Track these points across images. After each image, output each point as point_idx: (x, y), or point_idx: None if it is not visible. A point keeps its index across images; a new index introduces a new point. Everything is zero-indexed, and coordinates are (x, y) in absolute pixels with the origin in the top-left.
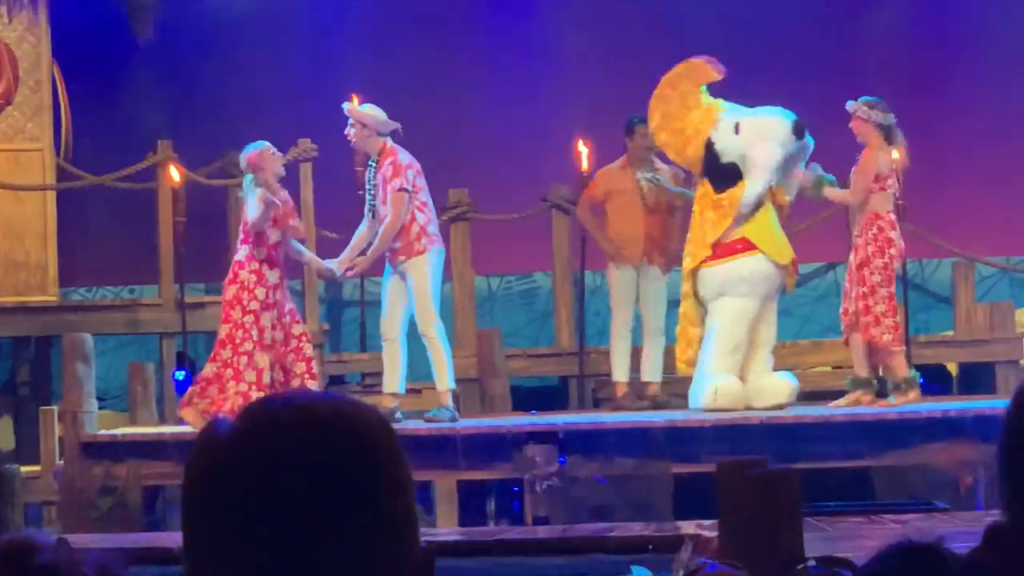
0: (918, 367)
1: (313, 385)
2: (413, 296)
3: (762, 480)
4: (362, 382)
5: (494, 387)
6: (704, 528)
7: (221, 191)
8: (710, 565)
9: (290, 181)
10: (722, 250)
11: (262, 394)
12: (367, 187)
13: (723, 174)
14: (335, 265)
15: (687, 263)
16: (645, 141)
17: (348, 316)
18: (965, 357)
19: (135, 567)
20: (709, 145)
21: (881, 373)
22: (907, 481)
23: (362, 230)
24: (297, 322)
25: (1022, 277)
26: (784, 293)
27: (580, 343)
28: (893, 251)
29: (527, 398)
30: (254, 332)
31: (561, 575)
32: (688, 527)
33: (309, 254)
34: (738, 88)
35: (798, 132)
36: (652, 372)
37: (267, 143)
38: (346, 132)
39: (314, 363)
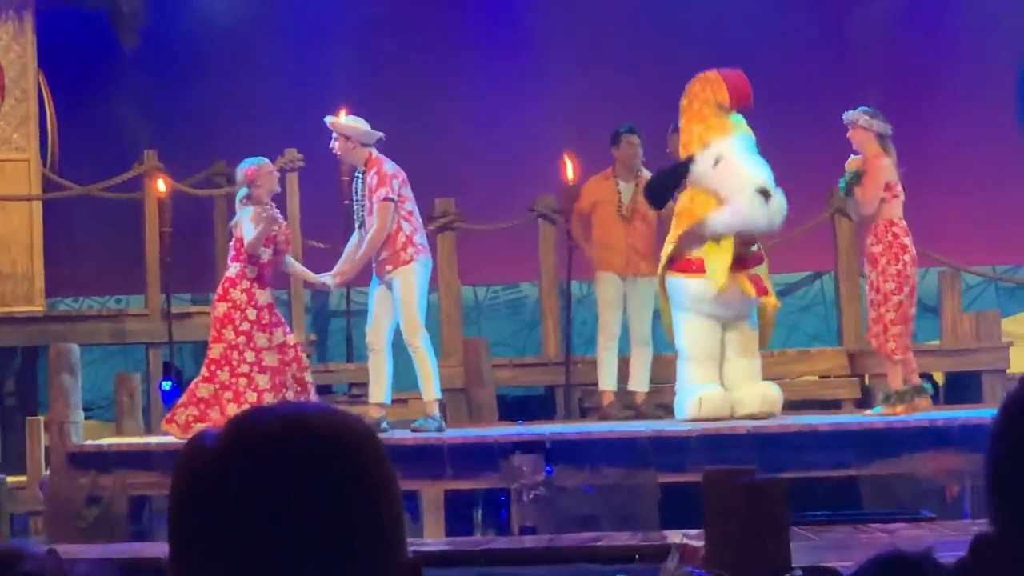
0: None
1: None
2: (399, 306)
3: (749, 489)
4: (348, 392)
5: (481, 397)
6: (691, 537)
7: (207, 201)
8: (697, 574)
9: (277, 192)
10: (682, 265)
11: (222, 409)
12: (354, 198)
13: (661, 190)
14: (328, 278)
15: (660, 265)
16: (631, 150)
17: (334, 326)
18: (951, 366)
19: None
20: (688, 161)
21: (867, 381)
22: (894, 490)
23: (353, 241)
24: (290, 334)
25: (1008, 286)
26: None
27: (567, 353)
28: (907, 258)
29: (514, 408)
30: (248, 354)
31: None
32: (675, 536)
33: (301, 268)
34: None
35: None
36: (639, 382)
37: (265, 159)
38: (331, 145)
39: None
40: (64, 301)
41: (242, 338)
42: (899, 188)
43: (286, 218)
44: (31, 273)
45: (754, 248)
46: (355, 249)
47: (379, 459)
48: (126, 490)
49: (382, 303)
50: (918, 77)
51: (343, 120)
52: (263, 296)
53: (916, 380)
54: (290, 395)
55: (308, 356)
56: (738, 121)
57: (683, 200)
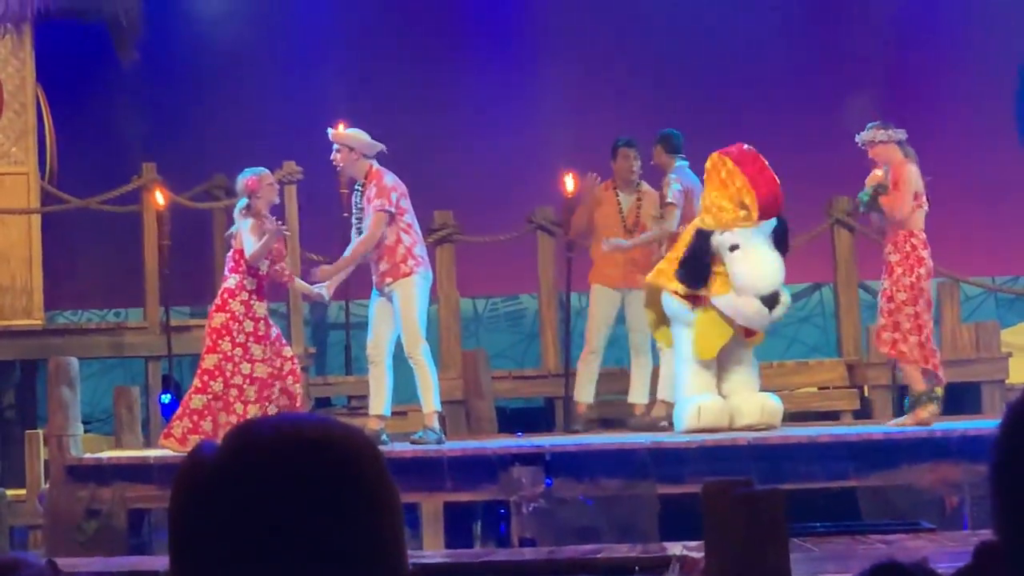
0: (902, 388)
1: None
2: (399, 318)
3: (748, 500)
4: (348, 405)
5: (480, 409)
6: (690, 549)
7: (206, 214)
8: None
9: (275, 204)
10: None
11: (214, 419)
12: (353, 210)
13: (697, 270)
14: (323, 289)
15: (651, 275)
16: (628, 163)
17: (333, 339)
18: (950, 377)
19: None
20: (707, 235)
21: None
22: (893, 502)
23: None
24: (285, 345)
25: (1008, 297)
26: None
27: (566, 365)
28: (922, 270)
29: (513, 420)
30: (244, 366)
31: None
32: (675, 548)
33: (296, 280)
34: (719, 114)
35: (765, 304)
36: (638, 394)
37: (265, 170)
38: (332, 157)
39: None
40: (63, 314)
41: (238, 350)
42: (924, 198)
43: None
44: (30, 286)
45: None
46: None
47: (379, 471)
48: (125, 503)
49: (382, 315)
50: (917, 87)
51: (345, 131)
52: (261, 308)
53: (938, 391)
54: (272, 409)
55: (306, 369)
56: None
57: (691, 227)
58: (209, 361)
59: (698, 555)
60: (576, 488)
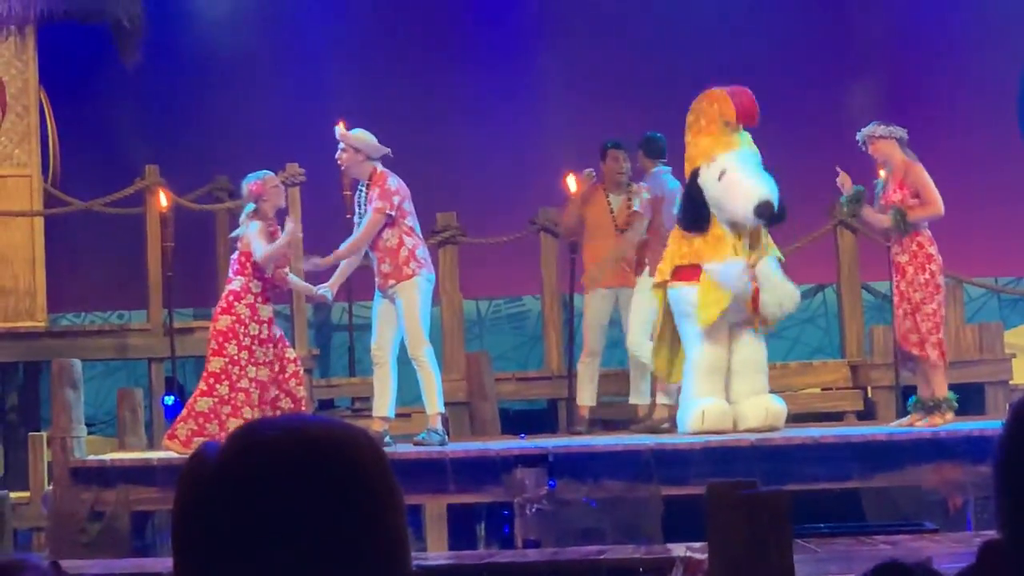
0: (905, 389)
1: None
2: (403, 320)
3: (752, 502)
4: (351, 406)
5: (483, 410)
6: (694, 550)
7: (209, 216)
8: None
9: (281, 207)
10: (685, 274)
11: (221, 423)
12: (356, 211)
13: (696, 213)
14: (326, 289)
15: (656, 278)
16: (616, 165)
17: (337, 340)
18: (954, 378)
19: None
20: (695, 175)
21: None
22: (897, 502)
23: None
24: (288, 347)
25: (1011, 298)
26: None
27: (569, 366)
28: (934, 267)
29: (516, 421)
30: (250, 369)
31: None
32: (678, 549)
33: (299, 282)
34: None
35: (760, 213)
36: (639, 394)
37: (270, 173)
38: (337, 156)
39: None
40: (66, 316)
41: (244, 353)
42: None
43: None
44: (33, 288)
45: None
46: (351, 262)
47: (383, 472)
48: (129, 505)
49: (386, 317)
50: (919, 89)
51: (353, 133)
52: (266, 311)
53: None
54: (270, 411)
55: (309, 370)
56: (744, 138)
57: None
58: (215, 364)
59: (702, 556)
60: (580, 489)
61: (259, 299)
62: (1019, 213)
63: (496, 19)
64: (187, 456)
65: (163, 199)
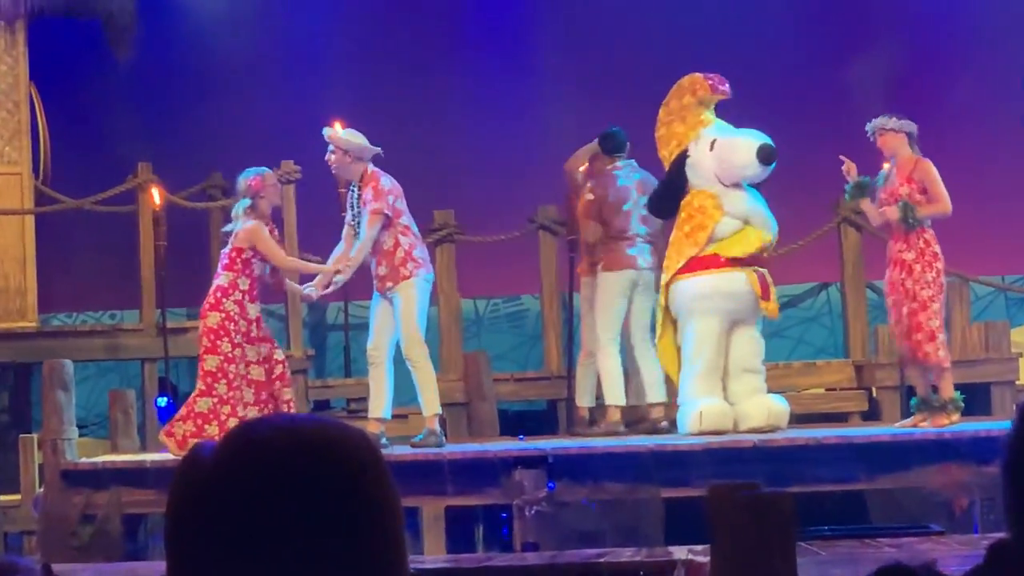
0: (910, 389)
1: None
2: (399, 320)
3: (754, 504)
4: (347, 407)
5: (481, 411)
6: (696, 553)
7: (203, 214)
8: None
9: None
10: (693, 264)
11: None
12: (349, 211)
13: (664, 196)
14: (312, 290)
15: (663, 277)
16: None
17: (332, 340)
18: (960, 378)
19: None
20: (683, 155)
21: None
22: (902, 504)
23: (338, 252)
24: (277, 348)
25: (1018, 297)
26: (768, 319)
27: (569, 366)
28: (939, 265)
29: (515, 422)
30: (242, 367)
31: None
32: (680, 552)
33: (291, 284)
34: (724, 109)
35: (763, 158)
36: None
37: (268, 170)
38: (326, 158)
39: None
40: (58, 316)
41: (238, 350)
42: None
43: (282, 231)
44: (24, 288)
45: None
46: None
47: (380, 472)
48: (121, 508)
49: (383, 318)
50: (926, 85)
51: (341, 133)
52: (253, 309)
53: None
54: (267, 411)
55: (304, 371)
56: (715, 118)
57: (682, 210)
58: (210, 363)
59: (703, 560)
60: (579, 491)
61: (247, 297)
62: None
63: (493, 10)
64: (181, 457)
65: (156, 197)
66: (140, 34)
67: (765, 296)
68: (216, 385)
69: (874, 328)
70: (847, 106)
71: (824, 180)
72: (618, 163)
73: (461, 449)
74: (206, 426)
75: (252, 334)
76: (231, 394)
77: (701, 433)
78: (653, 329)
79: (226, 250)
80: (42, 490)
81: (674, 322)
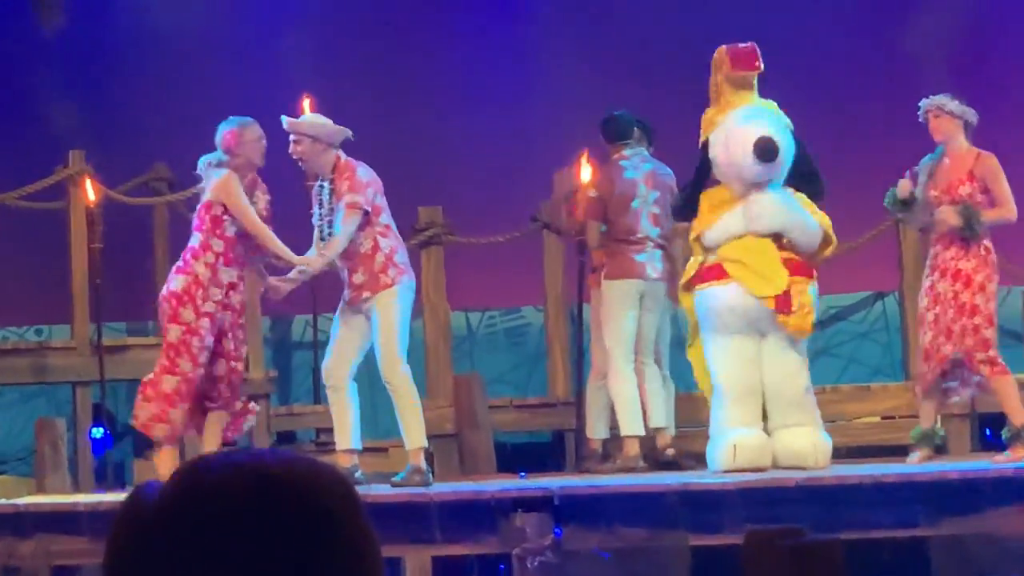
0: (984, 417)
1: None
2: (377, 337)
3: (798, 553)
4: (316, 439)
5: (475, 444)
6: None
7: (145, 211)
8: None
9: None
10: (700, 275)
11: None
12: (318, 210)
13: (686, 197)
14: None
15: (681, 284)
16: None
17: (298, 360)
18: None
19: None
20: (705, 146)
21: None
22: (972, 553)
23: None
24: (243, 343)
25: None
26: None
27: (578, 391)
28: (996, 277)
29: (515, 457)
30: (209, 339)
31: None
32: None
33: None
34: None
35: (760, 153)
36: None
37: (251, 120)
38: (291, 151)
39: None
40: None
41: (204, 320)
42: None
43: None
44: None
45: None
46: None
47: (354, 515)
48: (49, 558)
49: (350, 333)
50: (989, 73)
51: (306, 119)
52: (227, 274)
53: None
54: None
55: (267, 396)
56: (753, 97)
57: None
58: (173, 333)
59: None
60: (590, 539)
61: (221, 260)
62: None
63: None
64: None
65: (90, 191)
66: (73, 1)
67: (782, 309)
68: (179, 360)
69: None
70: (905, 85)
71: (879, 172)
72: (624, 152)
73: (451, 489)
74: (171, 411)
75: (227, 302)
76: (194, 372)
77: (735, 470)
78: (681, 343)
79: (197, 208)
80: None
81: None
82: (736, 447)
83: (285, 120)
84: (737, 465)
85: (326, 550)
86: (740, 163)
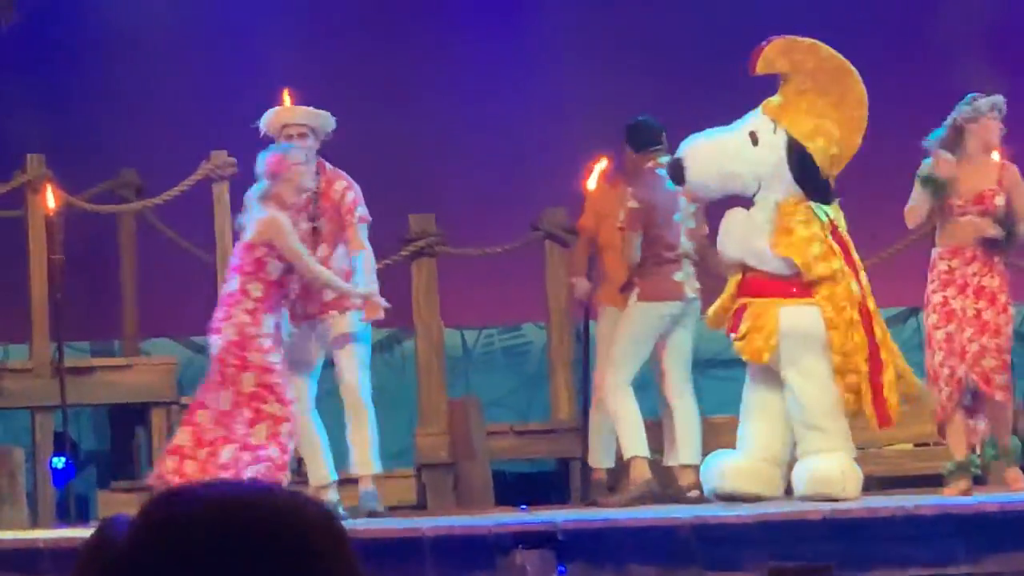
0: None
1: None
2: (344, 356)
3: None
4: (297, 470)
5: (471, 474)
6: None
7: (110, 220)
8: None
9: (202, 202)
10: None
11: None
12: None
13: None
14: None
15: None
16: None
17: None
18: None
19: None
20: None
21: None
22: None
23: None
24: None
25: None
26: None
27: (584, 416)
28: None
29: (515, 488)
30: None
31: None
32: None
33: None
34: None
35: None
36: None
37: (297, 147)
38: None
39: None
40: None
41: (274, 355)
42: None
43: (214, 238)
44: None
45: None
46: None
47: (342, 554)
48: None
49: (306, 358)
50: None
51: (304, 109)
52: (268, 321)
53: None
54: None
55: None
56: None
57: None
58: (246, 383)
59: None
60: None
61: (262, 305)
62: None
63: None
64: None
65: (50, 198)
66: None
67: (731, 331)
68: (263, 407)
69: None
70: (934, 81)
71: (909, 177)
72: (659, 159)
73: (446, 523)
74: (286, 457)
75: (265, 347)
76: (287, 410)
77: (724, 496)
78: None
79: (236, 248)
80: None
81: None
82: (724, 472)
83: (300, 110)
84: (727, 491)
85: None
86: None
